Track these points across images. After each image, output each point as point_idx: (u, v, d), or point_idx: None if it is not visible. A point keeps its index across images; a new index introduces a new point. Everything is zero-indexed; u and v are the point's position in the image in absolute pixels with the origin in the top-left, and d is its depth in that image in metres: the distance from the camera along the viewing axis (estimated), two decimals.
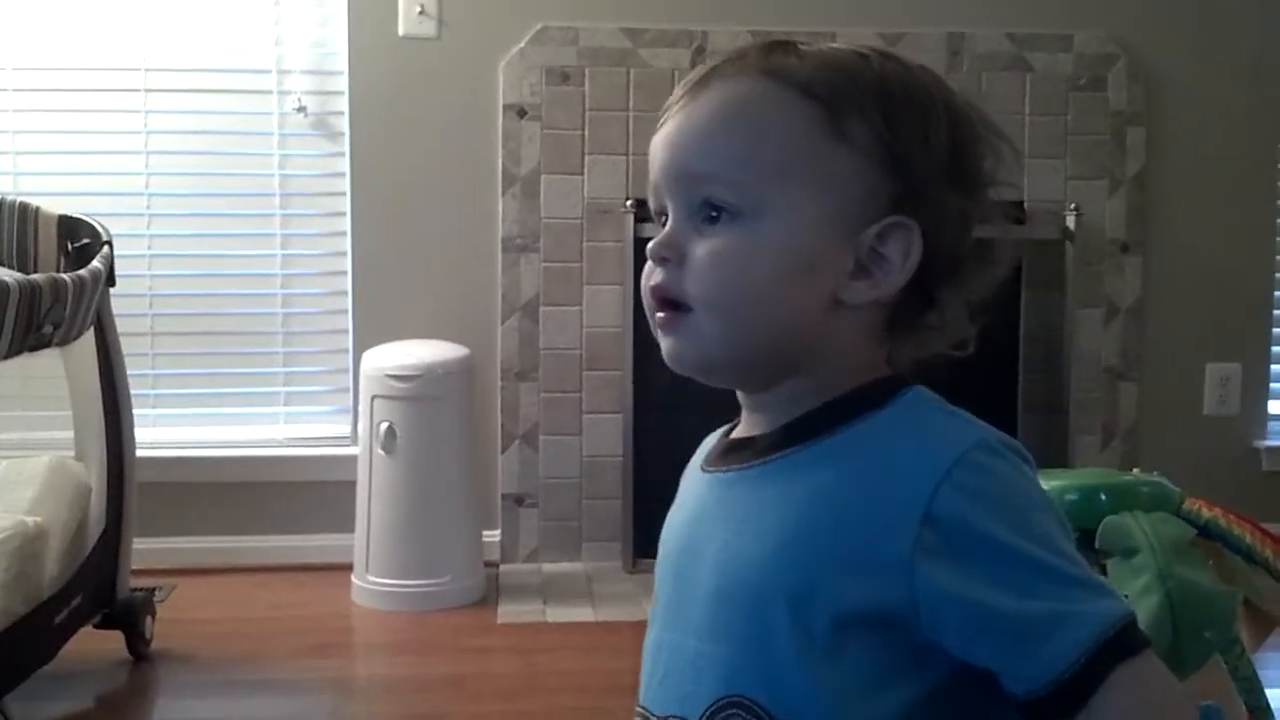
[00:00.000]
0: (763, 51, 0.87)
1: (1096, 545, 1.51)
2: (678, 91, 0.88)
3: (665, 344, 0.87)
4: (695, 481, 0.92)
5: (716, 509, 0.87)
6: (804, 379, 0.86)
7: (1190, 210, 3.43)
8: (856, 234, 0.83)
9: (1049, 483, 1.57)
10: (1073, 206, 3.33)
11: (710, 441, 0.96)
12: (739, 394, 0.91)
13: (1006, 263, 0.88)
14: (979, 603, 0.76)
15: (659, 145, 0.88)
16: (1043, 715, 0.76)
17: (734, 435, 0.91)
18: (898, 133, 0.83)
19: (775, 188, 0.83)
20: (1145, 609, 1.43)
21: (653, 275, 0.87)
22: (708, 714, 0.82)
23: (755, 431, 0.89)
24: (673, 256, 0.85)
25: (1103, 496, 1.52)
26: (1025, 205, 3.33)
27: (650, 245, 0.87)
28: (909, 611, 0.77)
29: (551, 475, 3.28)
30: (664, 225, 0.87)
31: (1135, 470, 1.62)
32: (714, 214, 0.84)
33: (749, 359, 0.86)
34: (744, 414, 0.91)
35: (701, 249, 0.84)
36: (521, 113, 3.25)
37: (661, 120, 0.88)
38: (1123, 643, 0.75)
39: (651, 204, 0.89)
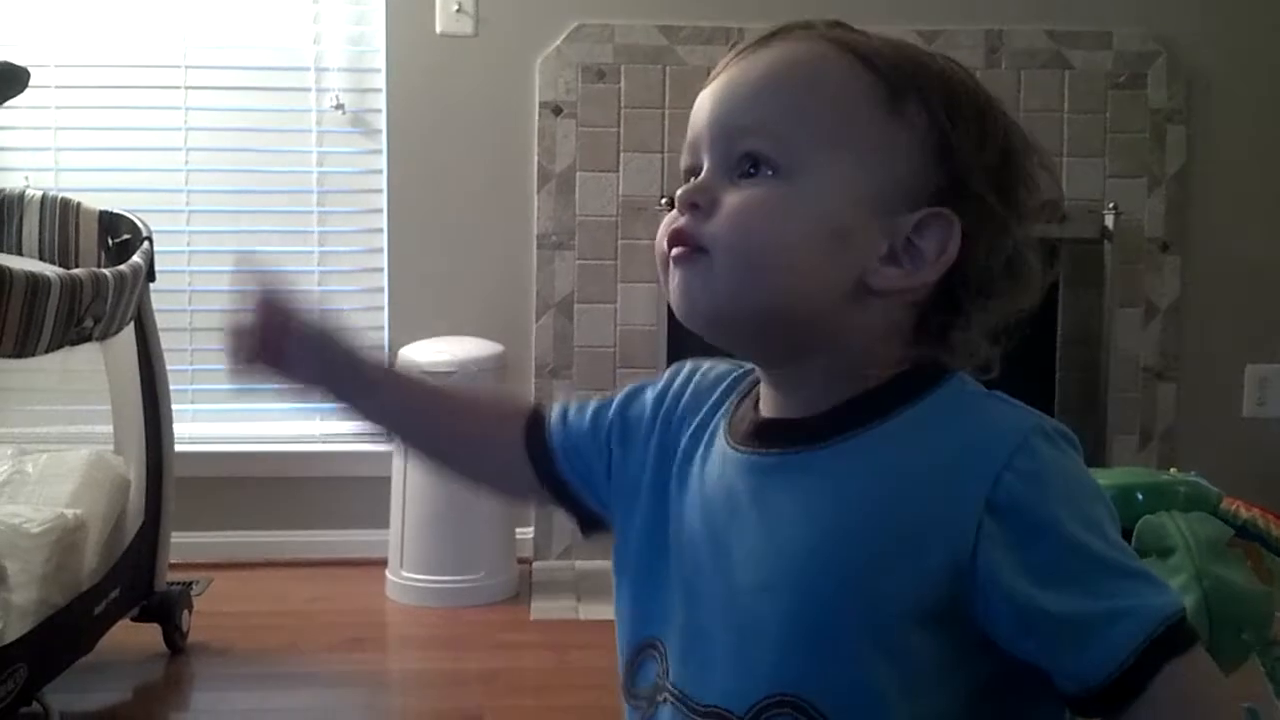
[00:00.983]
0: (829, 24, 0.86)
1: (1133, 545, 1.50)
2: (734, 51, 0.86)
3: (674, 283, 0.83)
4: (724, 459, 0.87)
5: (753, 496, 0.84)
6: (825, 363, 0.83)
7: (1230, 209, 3.40)
8: (895, 217, 0.81)
9: None
10: (1111, 205, 3.30)
11: (711, 373, 0.94)
12: (759, 371, 0.89)
13: (1038, 291, 0.85)
14: (1032, 598, 0.75)
15: (704, 97, 0.85)
16: (1091, 709, 0.76)
17: (764, 413, 0.87)
18: (955, 125, 0.82)
19: (820, 149, 0.81)
20: None
21: (676, 220, 0.83)
22: (754, 711, 0.80)
23: (785, 414, 0.86)
24: (703, 203, 0.82)
25: (1139, 496, 1.51)
26: (1064, 204, 3.32)
27: (680, 192, 0.84)
28: (969, 603, 0.76)
29: None
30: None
31: (1172, 470, 1.61)
32: (752, 169, 0.82)
33: (759, 321, 0.82)
34: (766, 390, 0.88)
35: (733, 198, 0.81)
36: (557, 110, 3.26)
37: (712, 76, 0.86)
38: (1173, 639, 0.75)
39: (685, 162, 0.86)
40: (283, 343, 0.97)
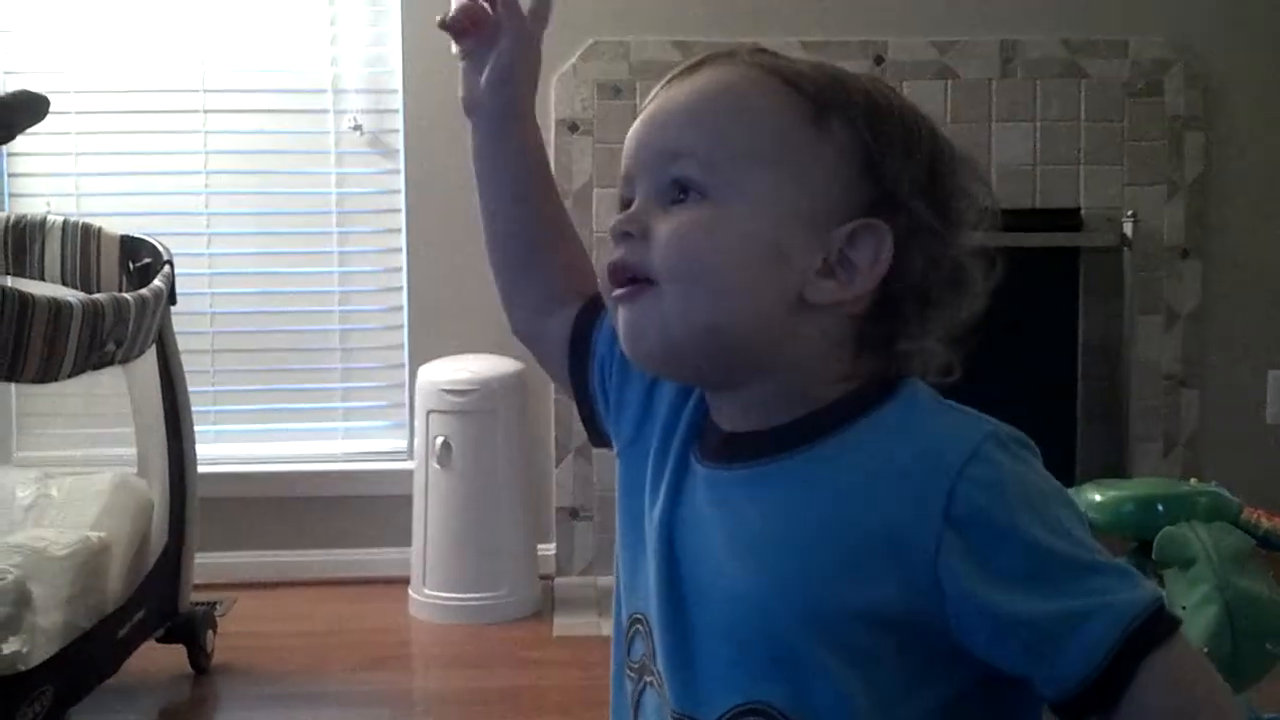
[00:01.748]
0: (753, 50, 0.88)
1: (1154, 556, 1.50)
2: (665, 79, 0.88)
3: (624, 319, 0.85)
4: (693, 474, 0.88)
5: (717, 508, 0.85)
6: (774, 383, 0.84)
7: (1250, 214, 3.39)
8: (827, 231, 0.82)
9: (1106, 493, 1.57)
10: (1130, 213, 3.29)
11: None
12: (709, 395, 0.89)
13: (981, 297, 0.86)
14: (1002, 606, 0.75)
15: (634, 128, 0.87)
16: (1078, 713, 0.75)
17: (724, 427, 0.88)
18: (879, 139, 0.83)
19: (747, 170, 0.82)
20: (1204, 619, 1.42)
21: (613, 253, 0.85)
22: (726, 718, 0.81)
23: (744, 427, 0.86)
24: (636, 231, 0.84)
25: (1160, 507, 1.52)
26: (1082, 212, 3.31)
27: (612, 223, 0.85)
28: (937, 613, 0.76)
29: (606, 488, 3.29)
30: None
31: (1193, 480, 1.61)
32: (681, 195, 0.83)
33: (710, 344, 0.83)
34: (721, 406, 0.88)
35: (666, 225, 0.83)
36: (573, 127, 3.27)
37: (643, 107, 0.88)
38: (1150, 631, 0.74)
39: (620, 193, 0.88)
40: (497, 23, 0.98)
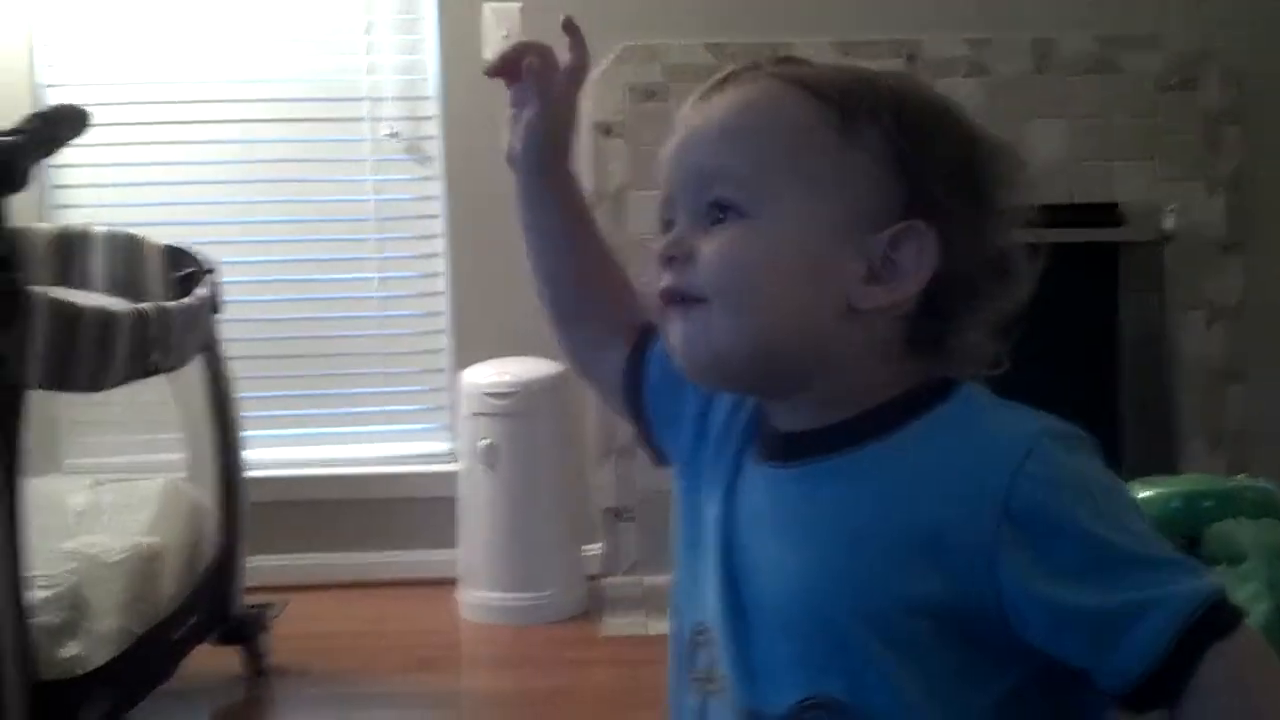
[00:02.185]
0: (776, 61, 0.89)
1: (1202, 552, 1.50)
2: (691, 99, 0.89)
3: (677, 335, 0.86)
4: (751, 473, 0.90)
5: (775, 507, 0.87)
6: (828, 389, 0.85)
7: None
8: (868, 238, 0.83)
9: (1152, 490, 1.57)
10: (1170, 208, 3.28)
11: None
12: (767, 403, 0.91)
13: (1027, 288, 0.86)
14: (1062, 599, 0.76)
15: (668, 153, 0.89)
16: (1139, 705, 0.76)
17: (781, 427, 0.89)
18: (909, 137, 0.84)
19: (782, 186, 0.83)
20: (1256, 615, 1.42)
21: (662, 278, 0.86)
22: (792, 713, 0.82)
23: (802, 426, 0.87)
24: (680, 255, 0.85)
25: (1207, 503, 1.52)
26: (1119, 208, 3.30)
27: (658, 248, 0.87)
28: (994, 608, 0.77)
29: (649, 487, 3.30)
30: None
31: (1241, 476, 1.61)
32: (721, 215, 0.84)
33: (762, 357, 0.84)
34: (771, 408, 0.90)
35: (709, 246, 0.84)
36: (608, 131, 3.29)
37: (675, 128, 0.89)
38: (1213, 622, 0.74)
39: (661, 214, 0.89)
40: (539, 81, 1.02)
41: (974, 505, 0.77)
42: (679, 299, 0.85)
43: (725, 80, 0.88)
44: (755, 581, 0.86)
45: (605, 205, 3.28)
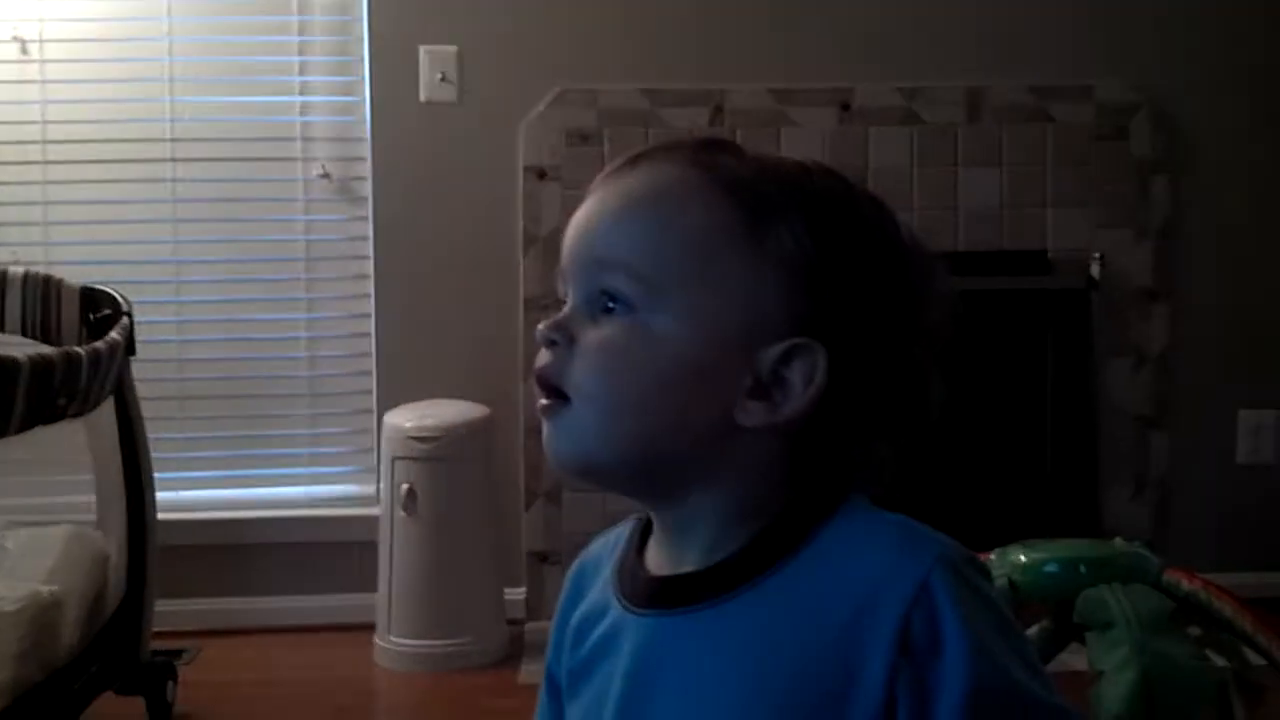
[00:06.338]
0: (699, 144, 0.84)
1: (1074, 617, 1.50)
2: (604, 171, 0.85)
3: (546, 430, 0.82)
4: (625, 624, 0.84)
5: (665, 659, 0.81)
6: (709, 503, 0.80)
7: (1217, 256, 3.39)
8: (759, 350, 0.78)
9: (1030, 555, 1.57)
10: (1097, 255, 3.30)
11: (609, 544, 0.89)
12: (652, 516, 0.86)
13: (930, 408, 0.82)
14: None
15: (570, 227, 0.84)
16: None
17: (654, 570, 0.84)
18: (821, 247, 0.79)
19: (677, 285, 0.79)
20: (1122, 682, 1.41)
21: (539, 359, 0.82)
22: None
23: (682, 567, 0.82)
24: (561, 340, 0.80)
25: (1081, 568, 1.52)
26: (1049, 255, 3.31)
27: (539, 328, 0.82)
28: None
29: (575, 531, 3.28)
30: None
31: (1117, 540, 1.60)
32: (610, 305, 0.80)
33: (629, 464, 0.80)
34: (659, 541, 0.85)
35: (591, 337, 0.80)
36: (542, 174, 3.28)
37: (586, 197, 0.85)
38: None
39: (558, 288, 0.85)
40: None
41: (869, 637, 0.74)
42: (548, 389, 0.81)
43: (640, 157, 0.83)
44: None
45: (537, 249, 3.27)
